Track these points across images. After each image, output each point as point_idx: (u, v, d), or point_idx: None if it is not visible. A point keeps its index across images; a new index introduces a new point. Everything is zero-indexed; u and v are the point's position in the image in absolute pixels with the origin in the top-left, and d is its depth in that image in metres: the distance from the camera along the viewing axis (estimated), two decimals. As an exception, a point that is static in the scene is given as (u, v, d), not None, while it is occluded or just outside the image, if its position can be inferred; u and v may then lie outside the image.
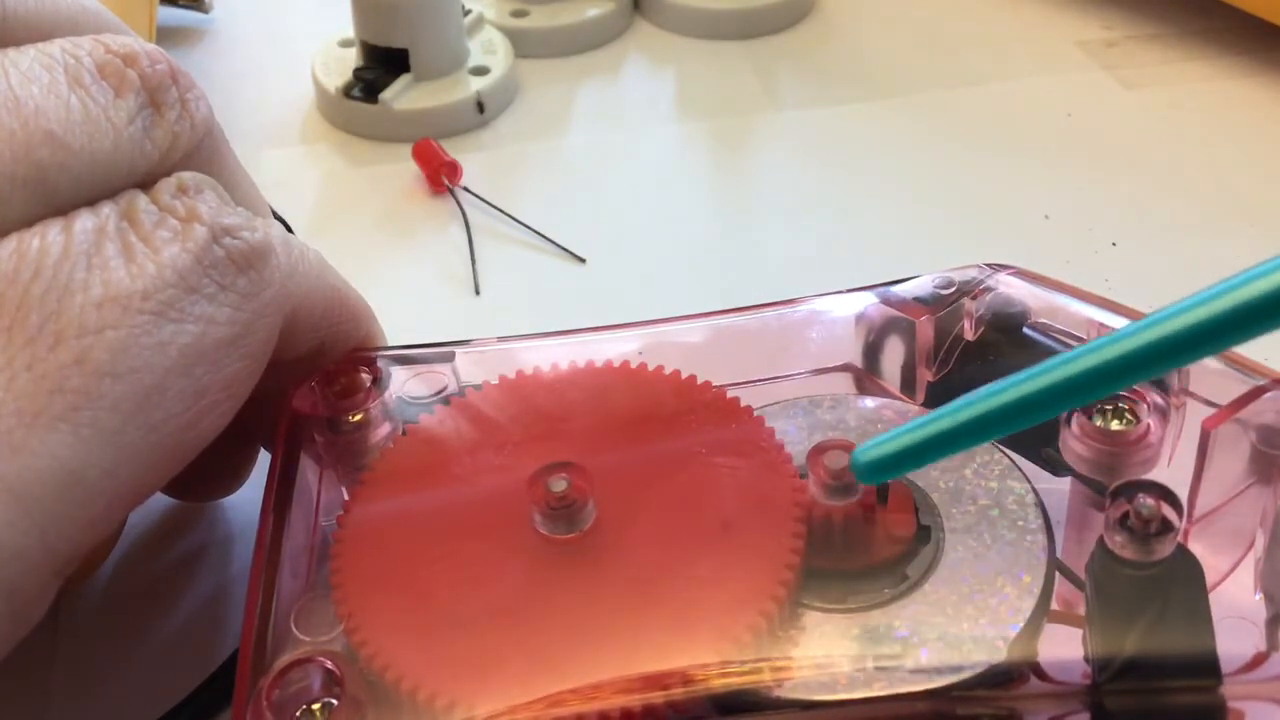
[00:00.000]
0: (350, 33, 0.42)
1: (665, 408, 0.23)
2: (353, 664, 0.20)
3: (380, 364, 0.24)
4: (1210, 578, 0.20)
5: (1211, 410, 0.21)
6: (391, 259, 0.36)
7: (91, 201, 0.19)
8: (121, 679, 0.25)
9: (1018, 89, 0.42)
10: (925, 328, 0.24)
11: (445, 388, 0.24)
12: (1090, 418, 0.21)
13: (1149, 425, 0.21)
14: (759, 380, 0.24)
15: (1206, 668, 0.19)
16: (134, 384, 0.18)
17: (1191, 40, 0.44)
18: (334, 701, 0.19)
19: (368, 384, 0.24)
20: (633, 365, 0.24)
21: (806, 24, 0.46)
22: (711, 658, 0.19)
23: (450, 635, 0.20)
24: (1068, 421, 0.21)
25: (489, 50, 0.42)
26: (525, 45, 0.44)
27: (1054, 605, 0.20)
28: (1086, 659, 0.19)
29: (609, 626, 0.20)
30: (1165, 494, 0.20)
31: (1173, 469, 0.22)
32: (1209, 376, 0.22)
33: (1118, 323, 0.23)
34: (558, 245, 0.36)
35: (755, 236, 0.36)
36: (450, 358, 0.25)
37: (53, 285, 0.18)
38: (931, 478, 0.22)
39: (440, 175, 0.38)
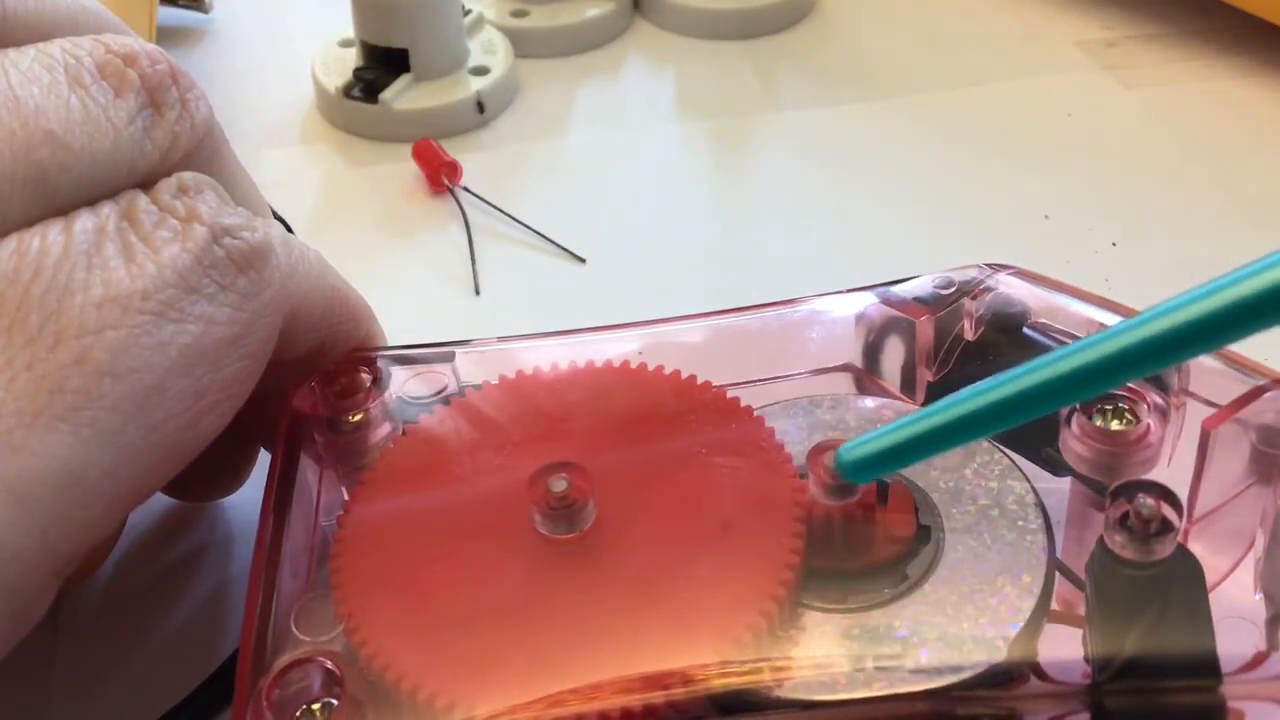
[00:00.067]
0: (350, 33, 0.42)
1: (665, 408, 0.23)
2: (353, 664, 0.20)
3: (380, 364, 0.24)
4: (1210, 578, 0.20)
5: (1211, 410, 0.21)
6: (391, 259, 0.36)
7: (92, 201, 0.19)
8: (121, 679, 0.25)
9: (1018, 89, 0.42)
10: (925, 328, 0.24)
11: (445, 388, 0.24)
12: (1090, 418, 0.21)
13: (1149, 425, 0.21)
14: (759, 380, 0.24)
15: (1206, 668, 0.19)
16: (134, 384, 0.18)
17: (1191, 40, 0.44)
18: (334, 701, 0.19)
19: (368, 384, 0.24)
20: (633, 365, 0.24)
21: (806, 24, 0.46)
22: (711, 658, 0.19)
23: (450, 635, 0.20)
24: (1068, 421, 0.21)
25: (489, 50, 0.42)
26: (525, 45, 0.44)
27: (1054, 605, 0.20)
28: (1086, 659, 0.19)
29: (609, 626, 0.20)
30: (1165, 494, 0.20)
31: (1173, 469, 0.21)
32: (1209, 376, 0.22)
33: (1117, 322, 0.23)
34: (558, 245, 0.36)
35: (755, 236, 0.36)
36: (450, 358, 0.25)
37: (53, 285, 0.18)
38: (931, 478, 0.22)
39: (440, 175, 0.38)
